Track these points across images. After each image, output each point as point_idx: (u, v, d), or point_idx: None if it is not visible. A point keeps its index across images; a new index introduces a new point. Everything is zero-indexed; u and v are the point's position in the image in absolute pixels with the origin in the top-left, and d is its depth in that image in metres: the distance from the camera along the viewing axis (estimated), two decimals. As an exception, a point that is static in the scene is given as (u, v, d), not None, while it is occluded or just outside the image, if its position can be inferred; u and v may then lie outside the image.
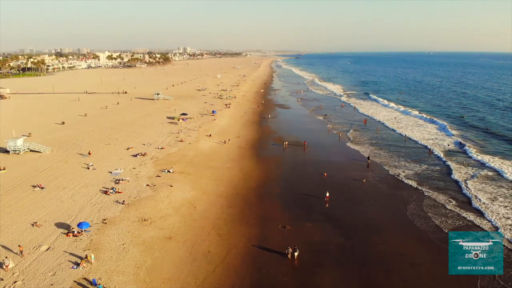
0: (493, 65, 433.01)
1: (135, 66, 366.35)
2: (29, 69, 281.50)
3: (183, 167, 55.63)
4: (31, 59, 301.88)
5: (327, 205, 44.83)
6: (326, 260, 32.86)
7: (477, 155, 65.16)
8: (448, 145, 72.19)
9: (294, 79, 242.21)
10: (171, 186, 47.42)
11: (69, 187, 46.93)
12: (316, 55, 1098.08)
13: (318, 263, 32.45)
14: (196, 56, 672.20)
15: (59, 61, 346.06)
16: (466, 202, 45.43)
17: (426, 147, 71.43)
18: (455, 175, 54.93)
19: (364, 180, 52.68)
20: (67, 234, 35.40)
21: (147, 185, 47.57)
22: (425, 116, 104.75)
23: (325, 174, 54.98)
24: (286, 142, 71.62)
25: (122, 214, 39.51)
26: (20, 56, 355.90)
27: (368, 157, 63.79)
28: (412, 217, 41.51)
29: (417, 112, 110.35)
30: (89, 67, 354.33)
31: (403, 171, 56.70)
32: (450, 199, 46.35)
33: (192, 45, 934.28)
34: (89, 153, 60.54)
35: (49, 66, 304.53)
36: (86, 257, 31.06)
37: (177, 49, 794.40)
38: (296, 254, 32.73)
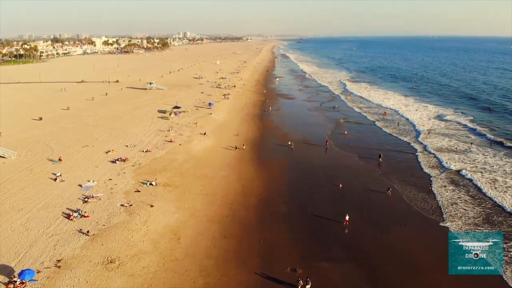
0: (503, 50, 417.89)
1: (132, 52, 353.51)
2: (21, 56, 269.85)
3: (169, 177, 46.42)
4: (24, 46, 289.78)
5: (346, 231, 35.83)
6: (353, 328, 23.93)
7: None
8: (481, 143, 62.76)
9: (296, 65, 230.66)
10: (152, 206, 38.30)
11: (26, 208, 37.87)
12: (319, 39, 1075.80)
13: (343, 333, 23.52)
14: (196, 41, 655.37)
15: (53, 47, 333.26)
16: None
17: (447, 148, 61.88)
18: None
19: (389, 192, 43.45)
20: (6, 285, 26.57)
21: (121, 205, 38.42)
22: (443, 108, 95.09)
23: (340, 185, 45.77)
24: (291, 143, 61.62)
25: (83, 251, 30.50)
26: (14, 43, 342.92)
27: (380, 155, 55.29)
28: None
29: (433, 105, 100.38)
30: (84, 53, 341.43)
31: (433, 179, 47.39)
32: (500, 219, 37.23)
33: (192, 30, 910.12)
34: (60, 159, 51.28)
35: (42, 52, 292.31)
36: (19, 330, 22.24)
37: (177, 34, 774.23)
38: (308, 287, 27.44)
